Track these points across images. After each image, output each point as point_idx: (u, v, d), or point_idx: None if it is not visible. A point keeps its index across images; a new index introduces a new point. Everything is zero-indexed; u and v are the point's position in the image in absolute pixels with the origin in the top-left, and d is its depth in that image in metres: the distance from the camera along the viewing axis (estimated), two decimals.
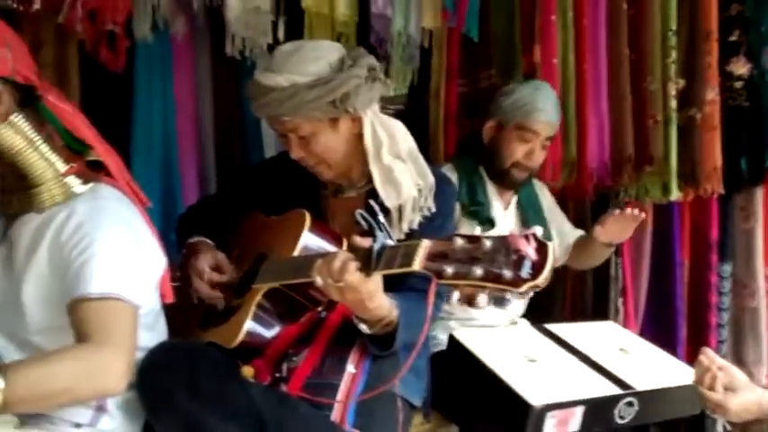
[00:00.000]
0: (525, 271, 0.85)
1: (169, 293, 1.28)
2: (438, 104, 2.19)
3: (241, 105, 2.01)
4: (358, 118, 1.39)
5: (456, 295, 0.93)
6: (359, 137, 1.41)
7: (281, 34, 1.80)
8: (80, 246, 1.10)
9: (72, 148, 1.20)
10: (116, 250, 1.12)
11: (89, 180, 1.19)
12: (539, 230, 0.87)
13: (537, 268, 0.85)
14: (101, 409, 1.18)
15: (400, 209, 1.40)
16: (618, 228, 1.85)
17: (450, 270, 0.90)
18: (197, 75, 1.91)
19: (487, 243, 0.89)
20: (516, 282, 0.85)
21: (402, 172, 1.40)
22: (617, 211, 1.83)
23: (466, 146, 2.02)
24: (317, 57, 1.35)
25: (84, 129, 1.18)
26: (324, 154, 1.40)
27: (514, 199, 1.96)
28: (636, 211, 1.80)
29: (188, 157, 1.88)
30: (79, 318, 1.07)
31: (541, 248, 0.86)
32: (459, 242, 0.92)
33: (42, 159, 1.15)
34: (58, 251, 1.12)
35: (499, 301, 1.23)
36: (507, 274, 0.85)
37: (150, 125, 1.80)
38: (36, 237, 1.14)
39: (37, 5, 1.42)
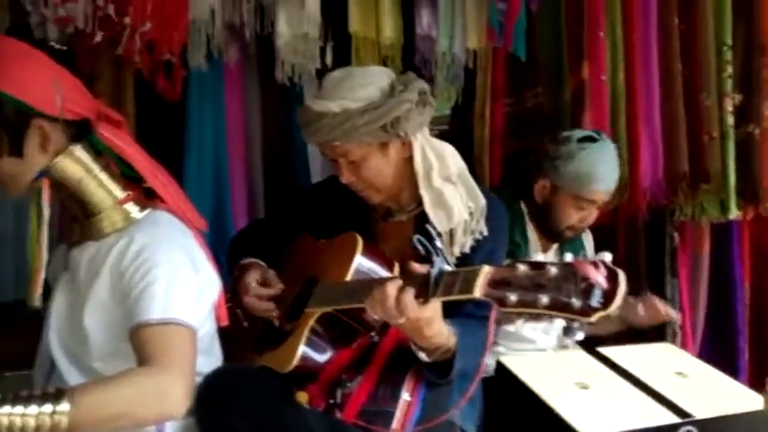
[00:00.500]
0: (595, 300, 0.82)
1: (224, 317, 1.29)
2: (483, 124, 2.17)
3: (288, 130, 2.03)
4: (408, 142, 1.39)
5: (520, 323, 0.90)
6: (408, 160, 1.41)
7: (328, 59, 1.83)
8: (140, 272, 1.12)
9: (128, 176, 1.23)
10: (175, 275, 1.14)
11: (146, 207, 1.22)
12: (608, 257, 0.85)
13: (608, 297, 0.82)
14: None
15: (451, 233, 1.38)
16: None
17: (513, 297, 0.88)
18: (247, 101, 1.95)
19: (553, 270, 0.86)
20: (586, 311, 0.82)
21: (453, 195, 1.39)
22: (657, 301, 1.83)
23: (507, 178, 2.00)
24: (367, 82, 1.36)
25: (137, 158, 1.21)
26: (373, 178, 1.40)
27: (554, 246, 1.92)
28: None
29: (238, 181, 1.91)
30: (140, 343, 1.08)
31: (612, 276, 0.83)
32: (522, 268, 0.90)
33: (101, 188, 1.18)
34: (119, 278, 1.14)
35: (567, 331, 1.17)
36: (576, 302, 0.83)
37: (202, 151, 1.83)
38: (97, 264, 1.17)
39: (98, 38, 1.47)
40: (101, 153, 1.19)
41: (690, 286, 2.17)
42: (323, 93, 1.39)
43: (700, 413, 1.44)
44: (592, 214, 1.82)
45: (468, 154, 2.13)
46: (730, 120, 2.01)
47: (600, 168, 1.76)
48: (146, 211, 1.21)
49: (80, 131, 1.17)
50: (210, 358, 1.27)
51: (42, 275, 1.16)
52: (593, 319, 0.82)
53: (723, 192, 2.00)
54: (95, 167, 1.18)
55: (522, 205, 1.90)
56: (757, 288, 2.17)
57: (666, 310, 1.82)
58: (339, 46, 1.86)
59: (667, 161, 2.02)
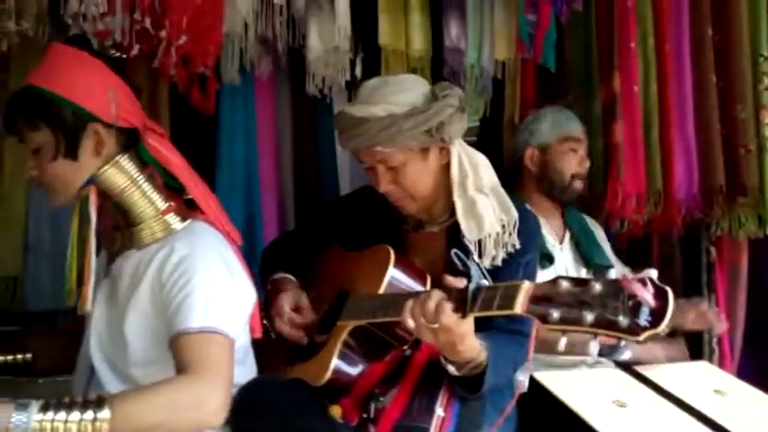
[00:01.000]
0: (644, 318, 0.80)
1: (258, 328, 1.29)
2: (511, 135, 2.16)
3: (317, 142, 2.04)
4: (446, 149, 1.40)
5: (564, 341, 0.88)
6: (445, 168, 1.41)
7: (358, 71, 1.83)
8: (180, 282, 1.13)
9: (170, 187, 1.25)
10: (214, 285, 1.14)
11: (186, 218, 1.23)
12: (653, 273, 0.82)
13: (657, 315, 0.80)
14: None
15: (480, 243, 1.37)
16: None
17: (556, 315, 0.87)
18: (278, 113, 1.96)
19: (597, 286, 0.84)
20: (635, 330, 0.80)
21: (485, 206, 1.38)
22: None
23: (508, 177, 1.99)
24: (408, 88, 1.38)
25: (182, 169, 1.23)
26: (412, 186, 1.40)
27: (568, 234, 1.93)
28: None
29: (268, 193, 1.92)
30: (179, 351, 1.09)
31: (661, 294, 0.81)
32: (565, 285, 0.88)
33: (144, 198, 1.21)
34: (160, 288, 1.15)
35: (612, 350, 1.17)
36: (623, 321, 0.81)
37: (233, 163, 1.84)
38: (137, 273, 1.19)
39: (135, 51, 1.49)
40: (146, 164, 1.22)
41: (727, 302, 2.12)
42: (363, 98, 1.39)
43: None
44: (585, 158, 1.93)
45: (498, 166, 2.11)
46: (767, 132, 1.96)
47: (563, 114, 1.95)
48: (186, 222, 1.22)
49: (129, 140, 1.21)
50: (246, 369, 1.27)
51: (92, 282, 1.17)
52: (642, 338, 0.80)
53: (761, 206, 1.96)
54: (140, 177, 1.21)
55: (526, 205, 1.89)
56: None
57: (713, 320, 1.79)
58: (369, 58, 1.86)
59: (702, 174, 1.98)
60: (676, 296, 2.10)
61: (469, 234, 1.36)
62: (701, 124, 1.99)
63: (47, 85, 1.15)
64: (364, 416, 1.26)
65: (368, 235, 1.46)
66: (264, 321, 1.51)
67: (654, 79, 2.01)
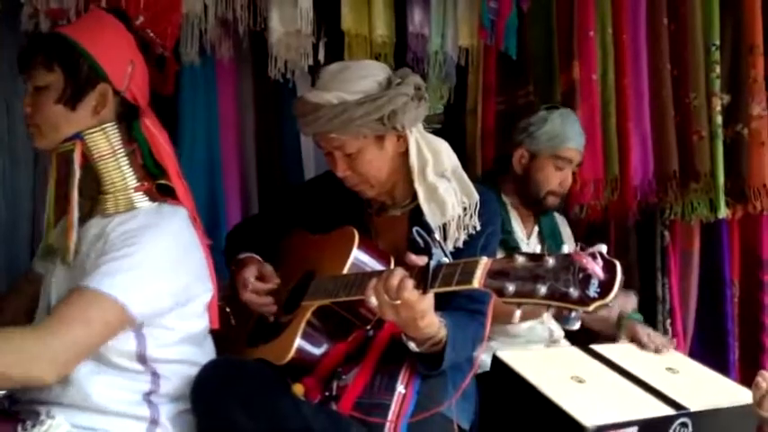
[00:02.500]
0: (593, 290, 0.83)
1: (216, 320, 1.29)
2: (475, 122, 2.19)
3: (281, 126, 2.03)
4: (403, 136, 1.40)
5: (518, 313, 0.91)
6: (404, 155, 1.42)
7: (321, 56, 1.83)
8: (120, 246, 1.13)
9: (149, 171, 1.26)
10: (149, 263, 1.13)
11: (155, 200, 1.23)
12: (603, 248, 0.86)
13: (605, 287, 0.83)
14: (154, 422, 1.19)
15: (444, 227, 1.39)
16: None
17: (511, 288, 0.89)
18: (240, 96, 1.95)
19: (551, 261, 0.87)
20: (585, 300, 0.83)
21: (447, 191, 1.40)
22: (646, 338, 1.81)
23: (486, 174, 2.02)
24: (364, 75, 1.37)
25: (166, 157, 1.25)
26: (369, 172, 1.40)
27: (536, 229, 1.96)
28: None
29: (231, 177, 1.90)
30: (64, 301, 1.09)
31: (609, 267, 0.84)
32: (521, 260, 0.90)
33: (118, 170, 1.22)
34: (103, 248, 1.15)
35: (564, 320, 1.17)
36: (574, 292, 0.83)
37: (194, 146, 1.83)
38: (95, 241, 1.18)
39: None
40: (131, 140, 1.24)
41: (680, 285, 2.18)
42: (320, 84, 1.39)
43: (692, 406, 1.46)
44: (569, 177, 1.90)
45: (461, 151, 2.14)
46: (719, 119, 2.03)
47: (570, 127, 1.87)
48: (154, 204, 1.23)
49: (127, 114, 1.23)
50: (202, 351, 1.28)
51: (75, 232, 1.18)
52: (591, 308, 0.83)
53: (712, 191, 2.01)
54: (121, 150, 1.22)
55: (504, 198, 1.93)
56: (746, 286, 2.19)
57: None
58: (332, 43, 1.86)
59: (657, 160, 2.04)
60: (631, 279, 2.21)
61: (432, 219, 1.38)
62: (657, 112, 2.04)
63: (75, 36, 1.20)
64: (326, 394, 1.27)
65: (332, 219, 1.46)
66: (227, 309, 1.51)
67: (612, 68, 2.05)
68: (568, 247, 1.98)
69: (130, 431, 1.18)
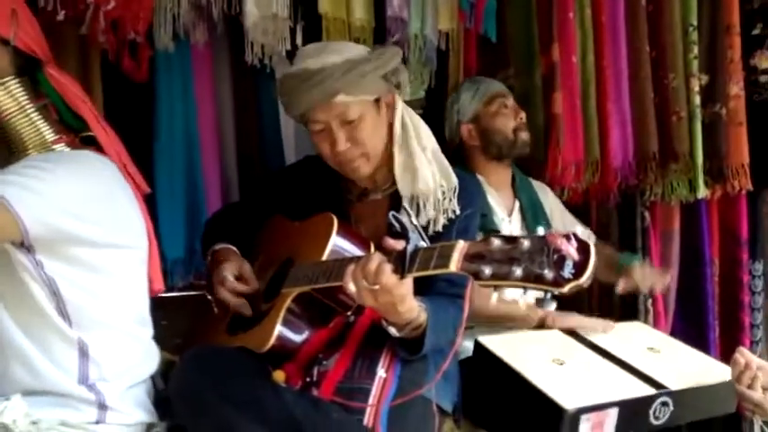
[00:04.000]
0: (567, 271, 0.83)
1: (158, 281, 1.27)
2: None
3: (260, 112, 2.01)
4: (392, 107, 1.41)
5: (495, 296, 0.91)
6: (391, 127, 1.43)
7: (299, 40, 1.80)
8: (28, 164, 1.09)
9: (68, 125, 1.21)
10: (57, 188, 1.08)
11: (78, 149, 1.19)
12: (579, 229, 0.86)
13: (579, 268, 0.83)
14: (102, 406, 1.18)
15: (418, 204, 1.38)
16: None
17: (488, 271, 0.89)
18: (217, 83, 1.91)
19: (526, 243, 0.87)
20: (559, 282, 0.83)
21: (422, 162, 1.40)
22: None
23: (455, 157, 2.02)
24: (350, 46, 1.41)
25: (82, 105, 1.19)
26: (369, 141, 1.39)
27: (517, 205, 1.96)
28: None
29: (210, 164, 1.88)
30: None
31: (583, 248, 0.84)
32: (496, 243, 0.91)
33: (32, 126, 1.17)
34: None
35: (539, 301, 1.21)
36: (549, 274, 0.84)
37: (172, 134, 1.79)
38: None
39: (60, 17, 1.43)
40: (41, 95, 1.18)
41: (661, 265, 2.19)
42: (314, 54, 1.38)
43: (673, 385, 1.47)
44: (518, 110, 1.95)
45: (442, 137, 2.13)
46: (697, 100, 2.04)
47: (475, 80, 2.00)
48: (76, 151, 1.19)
49: (27, 67, 1.17)
50: (145, 327, 1.26)
51: None
52: (566, 289, 0.83)
53: (691, 171, 2.03)
54: (30, 106, 1.17)
55: (481, 179, 1.92)
56: (726, 266, 2.21)
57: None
58: (310, 27, 1.83)
59: (637, 142, 2.05)
60: None
61: (404, 188, 1.38)
62: (636, 93, 2.05)
63: None
64: (307, 380, 1.27)
65: (312, 205, 1.45)
66: (209, 297, 1.50)
67: (591, 50, 2.05)
68: (557, 215, 2.01)
69: (86, 418, 1.16)
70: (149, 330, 1.29)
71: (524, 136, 1.93)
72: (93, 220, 1.13)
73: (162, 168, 1.76)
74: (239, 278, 1.44)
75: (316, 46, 1.43)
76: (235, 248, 1.51)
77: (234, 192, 1.95)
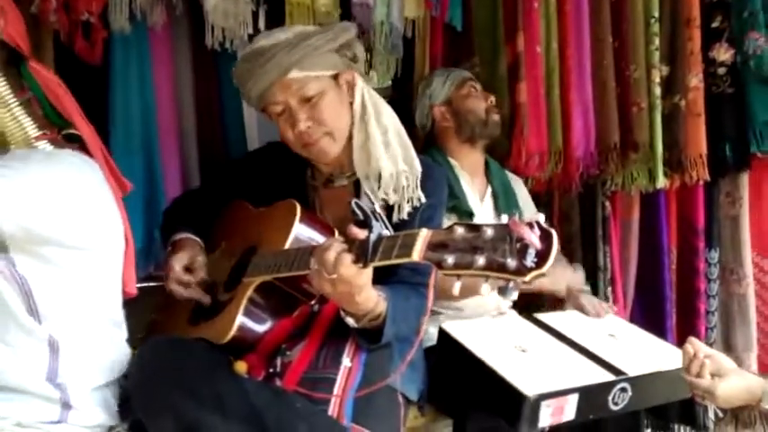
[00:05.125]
0: (530, 260, 0.83)
1: (130, 283, 1.24)
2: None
3: (222, 97, 1.96)
4: (353, 83, 1.39)
5: (458, 285, 0.91)
6: (353, 107, 1.41)
7: (261, 24, 1.76)
8: (5, 158, 1.07)
9: (51, 121, 1.18)
10: (34, 184, 1.06)
11: (61, 147, 1.17)
12: (541, 217, 0.86)
13: (542, 257, 0.83)
14: (66, 405, 1.15)
15: (372, 183, 1.37)
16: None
17: (450, 260, 0.88)
18: (176, 67, 1.86)
19: (489, 231, 0.87)
20: (522, 270, 0.83)
21: (378, 143, 1.38)
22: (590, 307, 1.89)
23: (429, 141, 2.02)
24: (304, 26, 1.41)
25: (67, 101, 1.17)
26: (330, 119, 1.37)
27: (489, 190, 1.97)
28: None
29: (170, 150, 1.83)
30: None
31: (546, 236, 0.84)
32: (460, 231, 0.90)
33: (14, 121, 1.14)
34: None
35: (502, 291, 1.18)
36: (511, 262, 0.83)
37: (129, 118, 1.74)
38: None
39: None
40: (25, 89, 1.16)
41: (621, 254, 2.23)
42: (261, 36, 1.38)
43: (632, 371, 1.50)
44: (487, 94, 1.99)
45: (409, 125, 2.12)
46: (657, 91, 2.06)
47: (445, 69, 2.05)
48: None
49: (10, 60, 1.14)
50: (116, 324, 1.23)
51: None
52: (528, 278, 0.83)
53: (651, 161, 2.05)
54: (13, 100, 1.14)
55: (454, 163, 1.94)
56: (683, 255, 2.26)
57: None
58: (272, 11, 1.80)
59: (599, 132, 2.06)
60: (574, 249, 2.26)
61: (360, 169, 1.36)
62: (598, 84, 2.06)
63: None
64: (271, 370, 1.25)
65: (275, 191, 1.42)
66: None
67: (555, 39, 2.06)
68: (527, 210, 2.04)
69: (47, 416, 1.13)
70: (123, 333, 1.26)
71: (495, 117, 1.96)
72: (64, 222, 1.10)
73: (119, 155, 1.69)
74: (189, 268, 1.41)
75: (268, 30, 1.42)
76: (196, 238, 1.47)
77: (195, 178, 1.90)
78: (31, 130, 1.15)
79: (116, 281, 1.22)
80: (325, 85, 1.35)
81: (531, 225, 0.84)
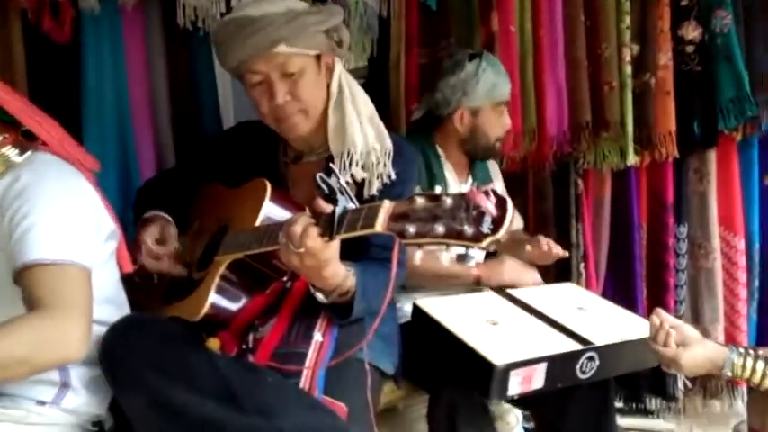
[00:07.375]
0: (486, 226, 0.85)
1: (126, 263, 1.26)
2: (398, 76, 2.18)
3: (195, 77, 1.96)
4: (332, 67, 1.40)
5: (419, 254, 0.93)
6: (329, 88, 1.41)
7: (233, 2, 1.76)
8: (23, 209, 1.07)
9: (3, 120, 1.16)
10: (63, 214, 1.09)
11: (26, 149, 1.16)
12: (498, 186, 0.88)
13: (497, 223, 0.86)
14: (65, 386, 1.16)
15: (344, 160, 1.37)
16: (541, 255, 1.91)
17: (412, 229, 0.90)
18: (149, 46, 1.85)
19: (448, 201, 0.89)
20: (478, 237, 0.85)
21: (354, 124, 1.39)
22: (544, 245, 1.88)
23: (419, 125, 2.02)
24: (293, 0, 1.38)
25: (9, 99, 1.14)
26: (308, 98, 1.38)
27: (470, 179, 1.98)
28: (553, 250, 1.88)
29: (143, 131, 1.82)
30: (32, 284, 1.04)
31: (501, 203, 0.86)
32: (420, 201, 0.92)
33: None
34: (1, 219, 1.09)
35: (461, 258, 1.21)
36: (468, 230, 0.86)
37: (101, 99, 1.73)
38: None
39: None
40: None
41: (593, 230, 2.27)
42: (248, 3, 1.35)
43: (599, 341, 1.54)
44: (507, 117, 1.93)
45: (385, 106, 2.13)
46: (628, 70, 2.09)
47: (500, 73, 1.89)
48: (26, 154, 1.16)
49: None
50: (116, 307, 1.24)
51: None
52: (485, 244, 0.86)
53: (622, 139, 2.09)
54: None
55: (438, 148, 1.93)
56: (653, 230, 2.30)
57: (551, 249, 1.88)
58: None
59: (571, 111, 2.10)
60: (548, 226, 2.28)
61: (335, 148, 1.38)
62: (571, 63, 2.09)
63: None
64: (243, 347, 1.27)
65: (247, 170, 1.43)
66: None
67: (529, 19, 2.08)
68: (498, 186, 2.04)
69: (40, 395, 1.15)
70: (122, 311, 1.26)
71: (500, 146, 1.94)
72: (95, 229, 1.14)
73: (91, 136, 1.70)
74: (160, 241, 1.42)
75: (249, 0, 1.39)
76: (165, 214, 1.47)
77: (170, 159, 1.90)
78: None
79: (115, 266, 1.24)
80: (306, 64, 1.35)
81: (486, 193, 0.87)
